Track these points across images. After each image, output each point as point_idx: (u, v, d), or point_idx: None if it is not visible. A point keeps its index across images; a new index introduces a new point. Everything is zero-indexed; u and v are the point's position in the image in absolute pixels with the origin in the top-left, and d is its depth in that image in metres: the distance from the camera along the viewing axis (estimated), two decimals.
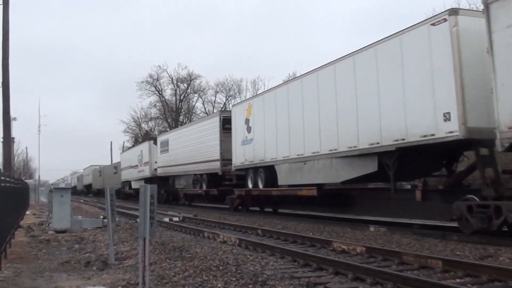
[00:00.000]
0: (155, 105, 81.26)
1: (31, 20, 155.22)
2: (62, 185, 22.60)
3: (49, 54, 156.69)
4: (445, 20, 13.70)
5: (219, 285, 8.58)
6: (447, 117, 13.65)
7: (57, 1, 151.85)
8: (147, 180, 42.60)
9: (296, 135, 21.45)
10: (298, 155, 21.22)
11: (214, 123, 30.97)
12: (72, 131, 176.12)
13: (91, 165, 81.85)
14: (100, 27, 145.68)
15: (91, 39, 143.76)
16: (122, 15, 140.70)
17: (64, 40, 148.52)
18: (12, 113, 26.51)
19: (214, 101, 78.68)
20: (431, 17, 14.69)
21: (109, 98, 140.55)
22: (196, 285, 8.69)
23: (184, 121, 79.27)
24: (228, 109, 43.73)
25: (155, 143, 44.75)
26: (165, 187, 41.73)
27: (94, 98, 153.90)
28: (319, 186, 20.58)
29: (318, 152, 19.79)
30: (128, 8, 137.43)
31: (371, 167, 16.96)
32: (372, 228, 16.43)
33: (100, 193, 65.55)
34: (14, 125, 32.36)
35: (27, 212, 32.08)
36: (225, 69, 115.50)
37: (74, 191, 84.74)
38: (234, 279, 8.90)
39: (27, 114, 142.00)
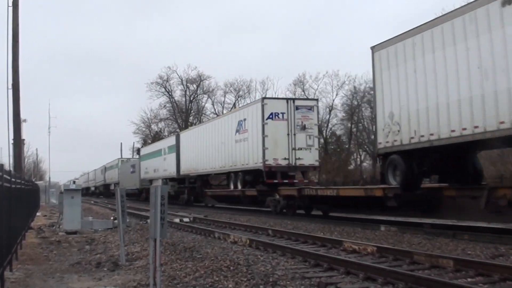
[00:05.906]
0: (165, 106, 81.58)
1: (39, 24, 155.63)
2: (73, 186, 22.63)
3: (60, 56, 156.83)
4: None
5: (230, 285, 8.58)
6: None
7: (68, 5, 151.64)
8: None
9: None
10: None
11: None
12: (83, 133, 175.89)
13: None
14: (117, 31, 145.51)
15: (105, 43, 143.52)
16: (139, 21, 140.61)
17: (77, 43, 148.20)
18: (24, 115, 26.63)
19: (224, 102, 78.80)
20: None
21: (120, 99, 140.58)
22: (207, 285, 8.70)
23: (194, 122, 79.12)
24: None
25: None
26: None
27: (106, 99, 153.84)
28: None
29: None
30: (148, 15, 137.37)
31: None
32: (383, 228, 16.38)
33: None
34: (24, 127, 32.55)
35: (38, 214, 32.28)
36: (234, 69, 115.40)
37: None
38: (245, 279, 8.89)
39: (38, 116, 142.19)
